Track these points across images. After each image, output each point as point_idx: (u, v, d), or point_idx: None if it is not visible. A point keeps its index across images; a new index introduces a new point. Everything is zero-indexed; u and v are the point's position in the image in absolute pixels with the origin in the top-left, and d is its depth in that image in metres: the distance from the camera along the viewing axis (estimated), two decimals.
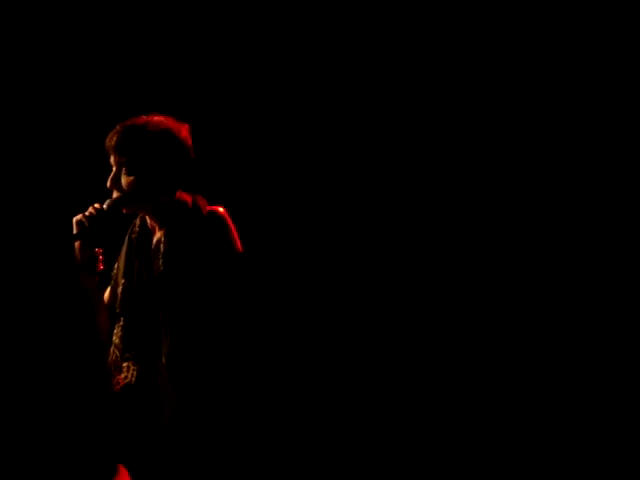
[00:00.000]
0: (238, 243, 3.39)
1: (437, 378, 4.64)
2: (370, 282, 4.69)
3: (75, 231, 3.33)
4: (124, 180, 3.35)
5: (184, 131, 3.40)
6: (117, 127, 3.38)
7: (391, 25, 4.66)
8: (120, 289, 3.43)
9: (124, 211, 3.39)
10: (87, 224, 3.31)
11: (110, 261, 3.47)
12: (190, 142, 3.41)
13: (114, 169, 3.37)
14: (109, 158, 3.40)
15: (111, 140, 3.36)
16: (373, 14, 4.67)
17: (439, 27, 4.63)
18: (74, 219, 3.36)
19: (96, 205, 3.35)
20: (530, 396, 4.55)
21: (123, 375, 3.34)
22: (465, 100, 4.64)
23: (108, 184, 3.37)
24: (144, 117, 3.39)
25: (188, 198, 3.41)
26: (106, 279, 3.51)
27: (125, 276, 3.43)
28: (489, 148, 4.63)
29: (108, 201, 3.36)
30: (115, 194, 3.37)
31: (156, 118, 3.39)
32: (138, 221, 3.48)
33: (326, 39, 4.69)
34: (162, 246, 3.37)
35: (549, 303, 4.58)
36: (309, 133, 4.72)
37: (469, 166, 4.66)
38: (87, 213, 3.33)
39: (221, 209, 3.41)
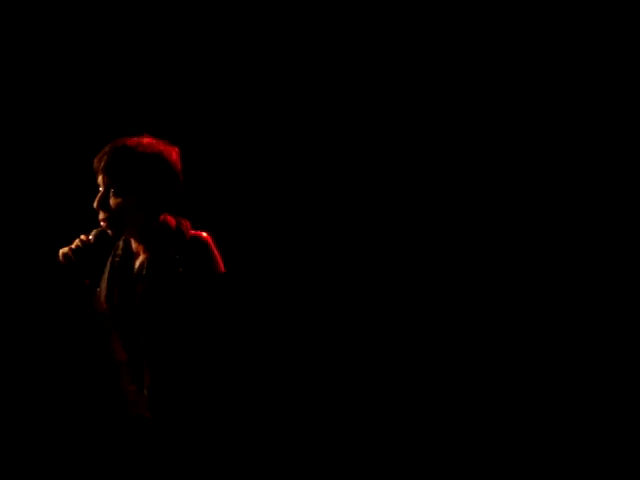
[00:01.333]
0: (221, 269, 3.36)
1: (437, 379, 4.64)
2: (358, 309, 4.70)
3: (62, 263, 3.30)
4: (112, 202, 3.32)
5: (174, 154, 3.38)
6: (106, 148, 3.35)
7: (386, 26, 4.68)
8: None
9: (110, 234, 3.36)
10: (74, 258, 3.30)
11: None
12: (180, 165, 3.38)
13: (102, 190, 3.34)
14: (96, 178, 3.37)
15: (100, 161, 3.33)
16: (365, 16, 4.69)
17: (439, 27, 4.62)
18: (60, 252, 3.33)
19: (82, 237, 3.34)
20: (530, 396, 4.55)
21: None
22: (465, 100, 4.64)
23: (95, 205, 3.34)
24: (134, 138, 3.36)
25: (172, 221, 3.38)
26: None
27: (107, 301, 3.39)
28: (489, 148, 4.64)
29: (94, 232, 3.35)
30: (101, 215, 3.35)
31: (146, 140, 3.36)
32: (121, 244, 3.44)
33: (309, 63, 4.70)
34: (144, 271, 3.34)
35: (549, 303, 4.58)
36: (296, 158, 4.72)
37: (469, 167, 4.66)
38: (74, 246, 3.32)
39: (204, 234, 3.39)
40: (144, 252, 3.38)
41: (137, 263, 3.38)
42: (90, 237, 3.34)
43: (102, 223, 3.35)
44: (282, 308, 4.64)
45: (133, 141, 3.35)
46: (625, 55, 4.50)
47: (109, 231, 3.35)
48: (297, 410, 4.58)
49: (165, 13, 4.70)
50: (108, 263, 3.45)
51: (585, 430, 4.49)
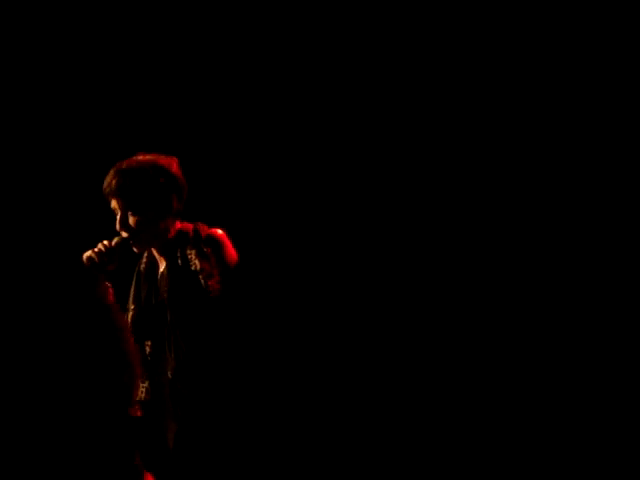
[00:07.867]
0: (235, 261, 3.57)
1: (437, 379, 4.68)
2: (366, 301, 4.78)
3: (86, 266, 3.54)
4: (132, 221, 3.56)
5: (174, 165, 3.61)
6: (111, 172, 3.58)
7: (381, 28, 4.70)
8: (130, 314, 3.67)
9: (136, 251, 3.61)
10: (97, 260, 3.53)
11: (119, 294, 3.58)
12: (181, 174, 3.61)
13: (120, 212, 3.58)
14: (110, 203, 3.61)
15: (109, 186, 3.57)
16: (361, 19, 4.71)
17: (439, 27, 4.63)
18: (84, 255, 3.56)
19: (105, 242, 3.56)
20: (530, 396, 4.57)
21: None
22: (465, 101, 4.64)
23: (117, 228, 3.58)
24: (132, 158, 3.59)
25: (189, 226, 3.62)
26: None
27: (134, 302, 3.69)
28: (489, 149, 4.65)
29: (116, 239, 3.57)
30: (124, 235, 3.58)
31: (143, 157, 3.59)
32: (145, 253, 3.70)
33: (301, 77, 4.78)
34: (166, 276, 3.60)
35: (549, 303, 4.59)
36: (299, 155, 4.83)
37: (469, 167, 4.67)
38: (96, 250, 3.54)
39: (220, 231, 3.60)
40: (164, 260, 3.64)
41: (160, 269, 3.65)
42: (112, 243, 3.55)
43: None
44: (290, 304, 4.75)
45: (132, 161, 3.58)
46: (625, 55, 4.47)
47: (134, 249, 3.60)
48: (304, 410, 4.71)
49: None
50: (135, 270, 3.72)
51: (585, 430, 4.50)
